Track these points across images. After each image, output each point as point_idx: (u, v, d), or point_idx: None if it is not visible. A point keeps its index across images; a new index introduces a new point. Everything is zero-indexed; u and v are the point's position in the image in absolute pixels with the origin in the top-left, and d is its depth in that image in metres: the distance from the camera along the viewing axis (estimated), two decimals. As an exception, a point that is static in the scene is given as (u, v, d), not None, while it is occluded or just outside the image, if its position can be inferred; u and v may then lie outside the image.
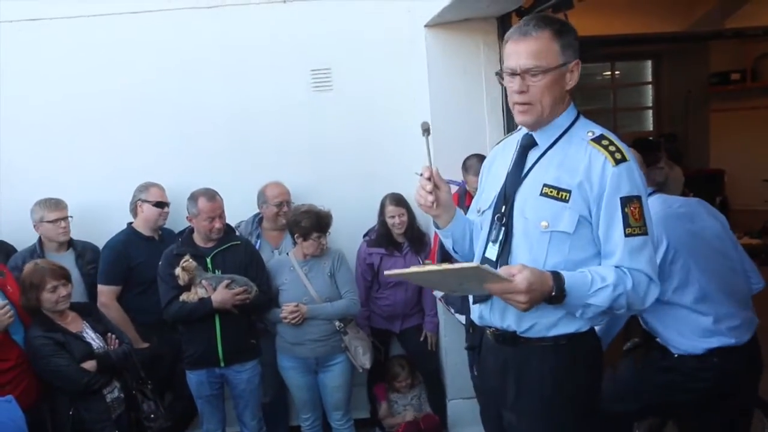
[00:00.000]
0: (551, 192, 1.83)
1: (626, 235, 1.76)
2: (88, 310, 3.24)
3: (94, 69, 3.94)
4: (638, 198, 1.78)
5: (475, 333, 3.44)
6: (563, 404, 1.91)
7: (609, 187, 1.77)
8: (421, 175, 1.97)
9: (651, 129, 8.88)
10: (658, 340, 2.63)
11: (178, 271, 3.24)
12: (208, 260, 3.38)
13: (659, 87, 8.75)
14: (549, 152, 1.90)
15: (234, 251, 3.43)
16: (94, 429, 2.97)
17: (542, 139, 1.91)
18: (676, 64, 8.44)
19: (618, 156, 1.78)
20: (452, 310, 3.65)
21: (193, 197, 3.38)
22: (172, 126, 4.02)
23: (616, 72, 8.98)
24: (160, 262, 3.39)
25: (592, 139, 1.83)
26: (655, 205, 2.42)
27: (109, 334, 3.18)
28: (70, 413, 2.94)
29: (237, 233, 3.64)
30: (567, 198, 1.81)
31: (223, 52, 4.02)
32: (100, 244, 3.72)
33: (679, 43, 7.56)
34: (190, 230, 3.47)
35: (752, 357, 2.58)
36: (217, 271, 3.36)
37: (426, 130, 1.97)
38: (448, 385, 4.03)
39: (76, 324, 3.10)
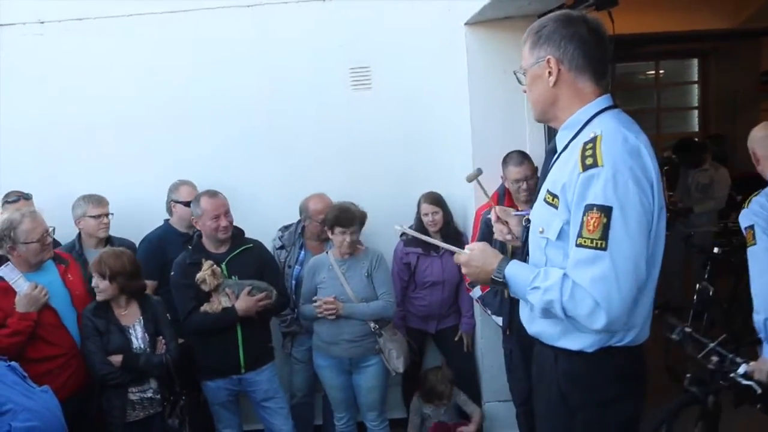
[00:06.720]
0: (548, 198, 1.80)
1: (576, 245, 1.66)
2: (150, 306, 3.16)
3: (134, 68, 4.00)
4: (602, 208, 1.61)
5: (511, 335, 3.40)
6: (567, 413, 1.84)
7: (576, 193, 1.67)
8: (490, 219, 2.15)
9: (696, 130, 8.65)
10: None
11: (204, 275, 3.13)
12: (223, 266, 3.26)
13: (706, 86, 8.51)
14: (561, 156, 1.85)
15: (248, 255, 3.34)
16: (109, 421, 3.00)
17: (560, 141, 1.88)
18: (724, 62, 8.19)
19: (588, 161, 1.65)
20: (489, 312, 3.59)
21: (196, 199, 3.30)
22: (211, 124, 4.05)
23: (661, 71, 8.77)
24: (172, 272, 3.30)
25: (585, 141, 1.71)
26: None
27: (160, 337, 3.11)
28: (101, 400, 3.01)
29: (276, 238, 3.59)
30: (557, 204, 1.76)
31: (261, 51, 4.03)
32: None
33: (728, 40, 7.32)
34: (199, 236, 3.35)
35: None
36: (233, 277, 3.27)
37: (475, 177, 2.12)
38: (484, 387, 3.97)
39: (130, 317, 3.08)
